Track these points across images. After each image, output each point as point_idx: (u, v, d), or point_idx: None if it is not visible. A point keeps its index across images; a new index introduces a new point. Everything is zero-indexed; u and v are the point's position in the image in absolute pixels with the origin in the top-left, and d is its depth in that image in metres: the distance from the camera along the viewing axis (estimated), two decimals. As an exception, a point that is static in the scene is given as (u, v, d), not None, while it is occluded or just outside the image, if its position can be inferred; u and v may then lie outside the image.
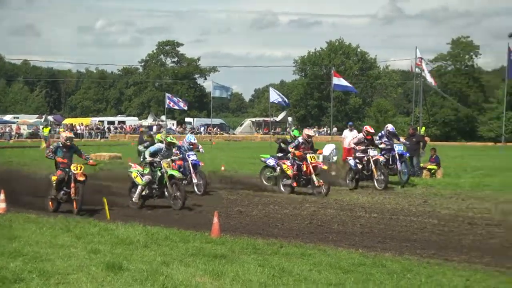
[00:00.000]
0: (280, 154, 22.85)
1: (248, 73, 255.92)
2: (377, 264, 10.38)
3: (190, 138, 22.47)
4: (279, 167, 21.68)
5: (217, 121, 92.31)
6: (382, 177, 21.83)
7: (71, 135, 18.08)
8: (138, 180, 17.97)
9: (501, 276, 9.76)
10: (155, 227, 13.68)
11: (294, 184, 21.00)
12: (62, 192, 16.88)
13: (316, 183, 20.41)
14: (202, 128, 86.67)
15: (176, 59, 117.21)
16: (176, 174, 17.75)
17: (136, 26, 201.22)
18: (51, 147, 17.66)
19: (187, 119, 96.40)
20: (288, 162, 21.32)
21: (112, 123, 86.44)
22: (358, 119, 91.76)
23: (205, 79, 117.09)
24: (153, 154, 18.00)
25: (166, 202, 17.68)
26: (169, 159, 17.91)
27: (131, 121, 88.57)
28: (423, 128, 35.25)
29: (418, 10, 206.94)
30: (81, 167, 16.79)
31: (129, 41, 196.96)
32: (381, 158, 22.25)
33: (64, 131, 18.73)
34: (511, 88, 51.31)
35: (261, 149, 46.96)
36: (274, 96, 60.37)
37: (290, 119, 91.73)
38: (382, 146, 23.01)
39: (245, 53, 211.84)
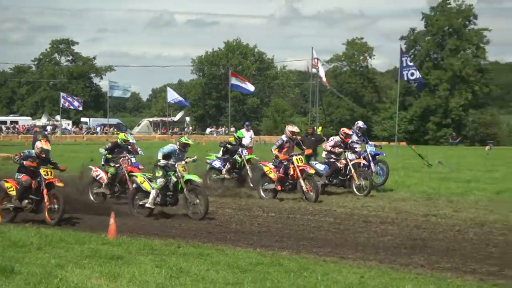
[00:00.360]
0: (225, 156, 22.68)
1: (145, 72, 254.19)
2: (275, 263, 10.44)
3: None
4: (261, 171, 20.16)
5: (114, 121, 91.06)
6: (364, 182, 20.01)
7: (48, 147, 15.42)
8: (146, 185, 16.25)
9: (393, 273, 9.98)
10: (49, 229, 13.41)
11: (279, 188, 19.39)
12: (27, 200, 14.82)
13: (305, 188, 18.92)
14: (98, 128, 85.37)
15: (71, 58, 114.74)
16: (195, 178, 16.06)
17: (29, 24, 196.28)
18: (20, 153, 15.23)
19: (83, 119, 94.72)
20: (270, 165, 19.80)
21: (4, 123, 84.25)
22: (256, 119, 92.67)
23: (101, 78, 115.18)
24: (166, 157, 16.24)
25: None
26: (183, 162, 16.21)
27: (24, 121, 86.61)
28: (320, 127, 35.68)
29: (314, 11, 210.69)
30: (51, 172, 14.84)
31: (21, 39, 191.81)
32: (363, 161, 20.81)
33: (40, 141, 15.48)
34: (403, 88, 52.85)
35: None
36: (173, 95, 60.04)
37: (188, 119, 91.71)
38: (358, 150, 21.32)
39: (142, 53, 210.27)
